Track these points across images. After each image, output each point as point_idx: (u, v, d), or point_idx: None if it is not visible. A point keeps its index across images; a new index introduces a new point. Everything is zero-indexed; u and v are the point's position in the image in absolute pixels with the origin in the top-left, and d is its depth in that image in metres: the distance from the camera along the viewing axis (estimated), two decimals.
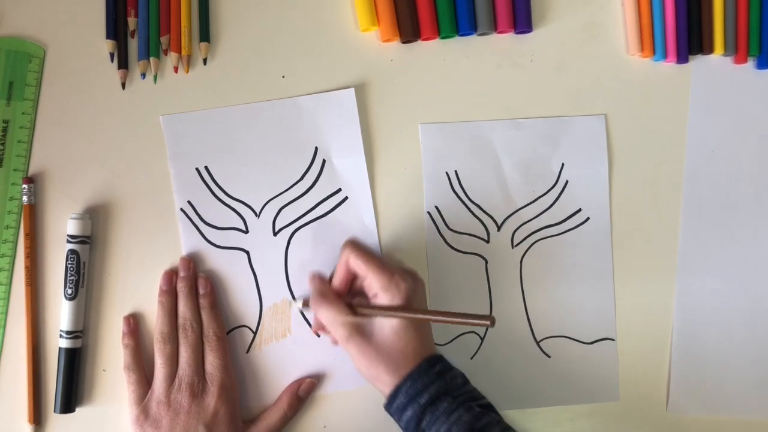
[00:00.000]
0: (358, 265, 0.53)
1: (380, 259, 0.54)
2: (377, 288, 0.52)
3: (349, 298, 0.55)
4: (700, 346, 0.61)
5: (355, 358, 0.52)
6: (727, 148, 0.62)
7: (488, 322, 0.49)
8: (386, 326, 0.52)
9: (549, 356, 0.60)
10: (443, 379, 0.51)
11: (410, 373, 0.51)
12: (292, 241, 0.59)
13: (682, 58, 0.61)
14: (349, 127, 0.59)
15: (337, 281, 0.55)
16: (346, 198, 0.59)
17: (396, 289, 0.52)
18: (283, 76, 0.59)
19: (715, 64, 0.62)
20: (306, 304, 0.57)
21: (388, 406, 0.52)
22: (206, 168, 0.58)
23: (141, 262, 0.57)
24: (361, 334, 0.52)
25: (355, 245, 0.55)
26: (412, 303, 0.52)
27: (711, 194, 0.62)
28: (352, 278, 0.55)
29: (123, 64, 0.58)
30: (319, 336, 0.59)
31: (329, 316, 0.53)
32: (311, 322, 0.58)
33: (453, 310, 0.59)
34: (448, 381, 0.51)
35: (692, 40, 0.61)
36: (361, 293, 0.55)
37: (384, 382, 0.51)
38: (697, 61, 0.62)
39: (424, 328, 0.54)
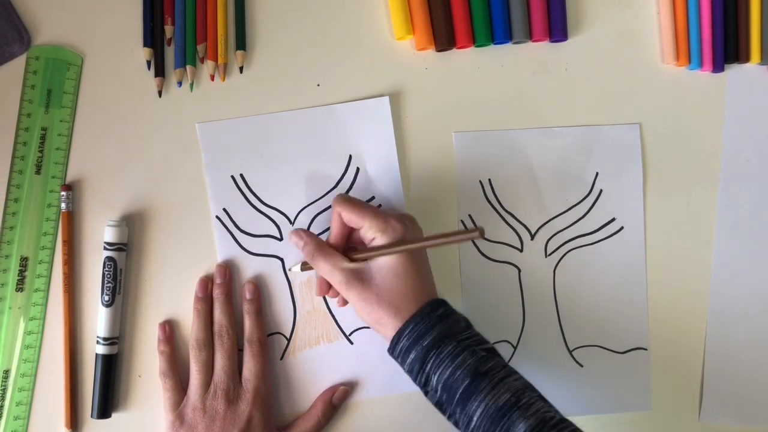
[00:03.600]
0: (351, 217, 0.53)
1: (372, 206, 0.55)
2: (374, 233, 0.52)
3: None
4: (733, 357, 0.61)
5: (356, 304, 0.52)
6: (763, 157, 0.62)
7: (476, 234, 0.48)
8: (384, 268, 0.51)
9: (581, 365, 0.60)
10: (446, 322, 0.50)
11: (413, 315, 0.50)
12: None
13: (717, 66, 0.61)
14: (383, 135, 0.59)
15: (333, 238, 0.55)
16: (380, 206, 0.59)
17: (392, 231, 0.52)
18: (318, 85, 0.59)
19: (750, 73, 0.62)
20: (304, 265, 0.57)
21: (392, 350, 0.52)
22: (241, 176, 0.59)
23: (177, 269, 0.58)
24: (361, 279, 0.52)
25: (345, 198, 0.54)
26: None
27: (746, 204, 0.62)
28: (348, 233, 0.55)
29: (160, 72, 0.58)
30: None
31: (326, 265, 0.53)
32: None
33: (487, 319, 0.60)
34: (452, 324, 0.51)
35: (728, 48, 0.61)
36: (361, 246, 0.55)
37: (386, 326, 0.51)
38: (733, 70, 0.62)
39: (424, 270, 0.53)
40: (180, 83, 0.58)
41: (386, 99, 0.59)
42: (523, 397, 0.48)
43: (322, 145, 0.59)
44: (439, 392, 0.49)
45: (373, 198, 0.59)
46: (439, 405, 0.50)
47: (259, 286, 0.58)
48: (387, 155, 0.60)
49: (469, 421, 0.48)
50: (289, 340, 0.59)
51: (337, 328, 0.59)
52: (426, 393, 0.51)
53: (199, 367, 0.55)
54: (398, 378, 0.58)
